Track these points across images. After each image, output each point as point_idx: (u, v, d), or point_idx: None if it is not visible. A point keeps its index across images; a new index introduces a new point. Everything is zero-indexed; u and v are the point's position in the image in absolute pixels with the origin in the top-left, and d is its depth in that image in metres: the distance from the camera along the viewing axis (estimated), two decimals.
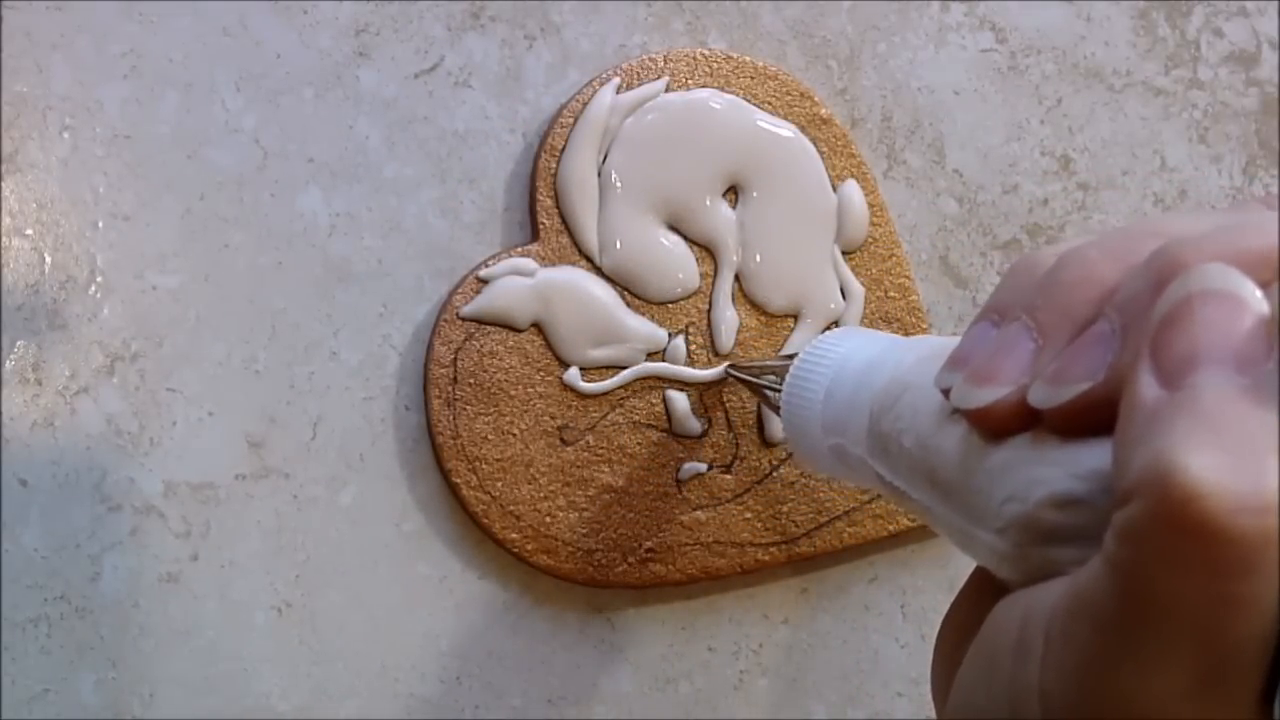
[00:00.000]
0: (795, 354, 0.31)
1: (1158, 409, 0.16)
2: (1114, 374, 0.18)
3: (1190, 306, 0.17)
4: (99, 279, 0.38)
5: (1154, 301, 0.18)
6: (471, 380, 0.39)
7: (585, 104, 0.39)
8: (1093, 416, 0.18)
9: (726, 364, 0.39)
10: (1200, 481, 0.15)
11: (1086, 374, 0.18)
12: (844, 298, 0.40)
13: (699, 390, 0.40)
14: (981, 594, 0.21)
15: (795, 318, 0.40)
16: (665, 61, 0.40)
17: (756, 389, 0.37)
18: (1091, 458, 0.18)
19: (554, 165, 0.39)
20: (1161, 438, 0.16)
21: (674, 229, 0.40)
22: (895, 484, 0.24)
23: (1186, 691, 0.16)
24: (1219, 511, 0.15)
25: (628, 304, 0.40)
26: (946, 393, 0.21)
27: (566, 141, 0.39)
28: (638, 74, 0.40)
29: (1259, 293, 0.17)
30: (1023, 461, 0.19)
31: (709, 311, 0.40)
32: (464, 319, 0.39)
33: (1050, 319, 0.20)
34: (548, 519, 0.39)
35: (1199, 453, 0.15)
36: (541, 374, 0.39)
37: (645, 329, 0.40)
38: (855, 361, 0.29)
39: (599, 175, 0.39)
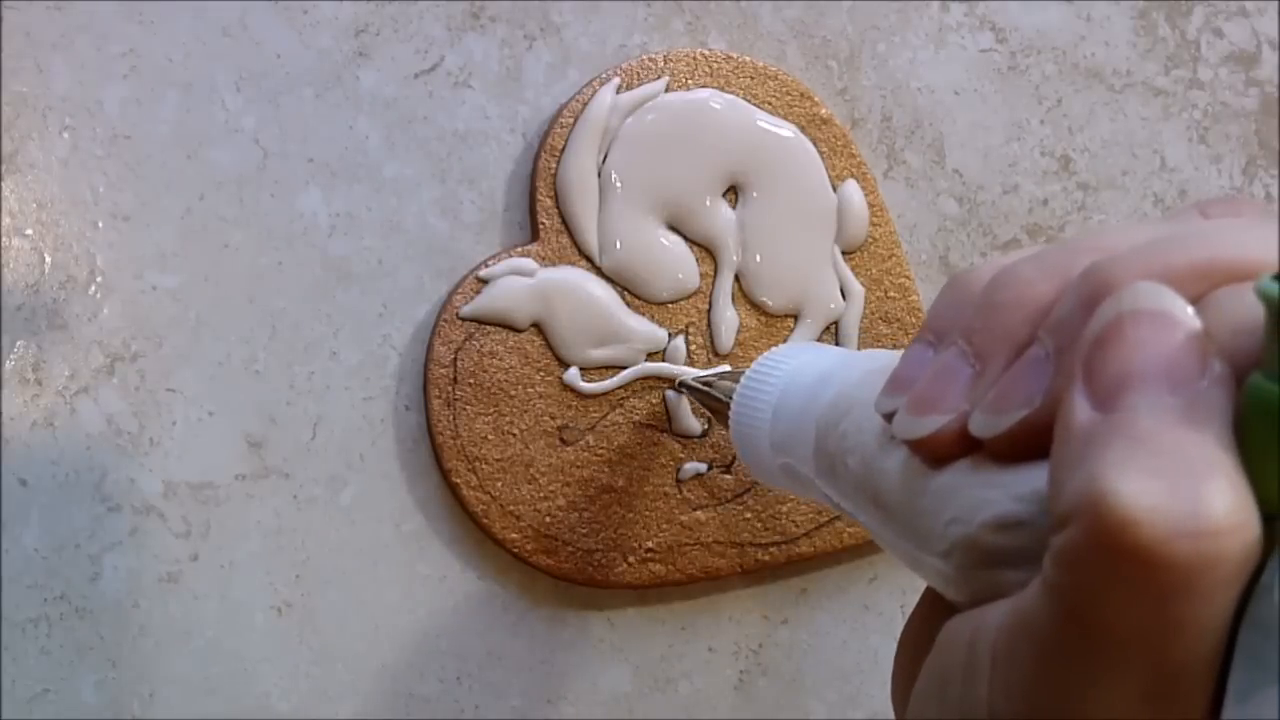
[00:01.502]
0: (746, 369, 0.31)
1: (1091, 432, 0.16)
2: (1050, 398, 0.18)
3: (1121, 326, 0.17)
4: (99, 279, 0.38)
5: (1086, 322, 0.17)
6: (471, 380, 0.39)
7: (585, 104, 0.39)
8: (1033, 440, 0.18)
9: (691, 376, 0.39)
10: (1134, 507, 0.15)
11: (1023, 400, 0.18)
12: (844, 298, 0.40)
13: None
14: (934, 610, 0.21)
15: (795, 318, 0.40)
16: (665, 61, 0.40)
17: (709, 404, 0.36)
18: (1032, 480, 0.18)
19: (554, 165, 0.39)
20: (1095, 462, 0.16)
21: (674, 229, 0.40)
22: (842, 505, 0.24)
23: (1132, 711, 0.16)
24: (1154, 537, 0.15)
25: (628, 304, 0.40)
26: (888, 416, 0.21)
27: (566, 141, 0.39)
28: (638, 74, 0.40)
29: (1190, 309, 0.17)
30: (965, 485, 0.19)
31: (709, 311, 0.40)
32: (464, 319, 0.39)
33: (986, 342, 0.19)
34: (548, 519, 0.39)
35: (1132, 477, 0.15)
36: (541, 374, 0.39)
37: (645, 329, 0.40)
38: (803, 378, 0.28)
39: (599, 175, 0.39)
